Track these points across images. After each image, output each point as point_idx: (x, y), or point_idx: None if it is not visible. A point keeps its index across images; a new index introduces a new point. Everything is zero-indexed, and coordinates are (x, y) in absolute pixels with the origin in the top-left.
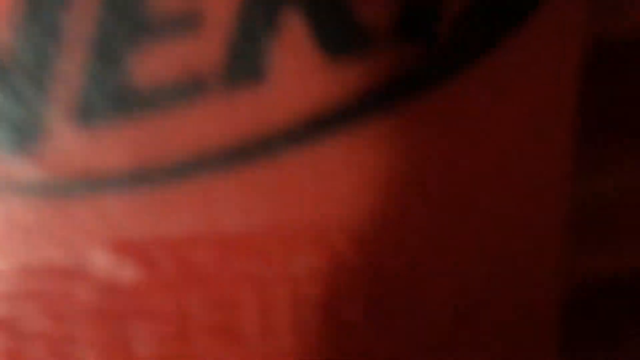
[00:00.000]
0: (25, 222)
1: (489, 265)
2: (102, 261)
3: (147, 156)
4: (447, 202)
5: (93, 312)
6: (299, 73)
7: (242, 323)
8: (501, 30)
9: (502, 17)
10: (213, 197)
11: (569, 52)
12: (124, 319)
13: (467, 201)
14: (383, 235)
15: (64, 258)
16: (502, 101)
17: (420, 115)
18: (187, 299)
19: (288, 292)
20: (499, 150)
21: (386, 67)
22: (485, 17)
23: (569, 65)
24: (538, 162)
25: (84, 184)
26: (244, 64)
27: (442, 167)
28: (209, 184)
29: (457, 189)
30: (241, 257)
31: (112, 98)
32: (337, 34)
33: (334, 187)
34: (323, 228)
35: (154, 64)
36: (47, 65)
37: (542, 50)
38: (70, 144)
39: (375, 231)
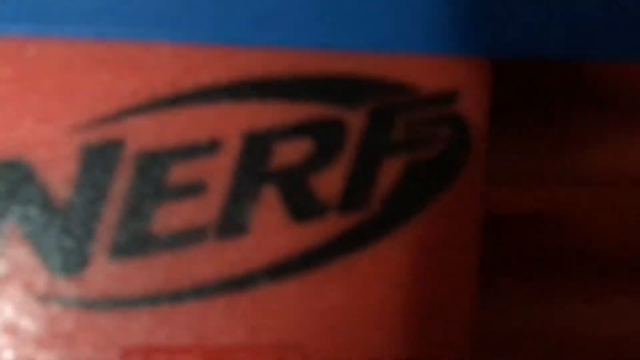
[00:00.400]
0: (64, 328)
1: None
2: None
3: (158, 284)
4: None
5: None
6: (272, 231)
7: None
8: (418, 205)
9: (419, 195)
10: (203, 317)
11: (471, 220)
12: None
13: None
14: (329, 353)
15: (92, 358)
16: (419, 255)
17: (360, 266)
18: None
19: None
20: (413, 287)
21: (335, 229)
22: (407, 195)
23: (470, 231)
24: (441, 299)
25: (110, 302)
26: (232, 221)
27: (371, 302)
28: (202, 307)
29: (381, 316)
30: None
31: (137, 240)
32: (300, 205)
33: (295, 315)
34: (285, 346)
35: (169, 217)
36: (94, 213)
37: (452, 218)
38: (103, 272)
39: (321, 350)
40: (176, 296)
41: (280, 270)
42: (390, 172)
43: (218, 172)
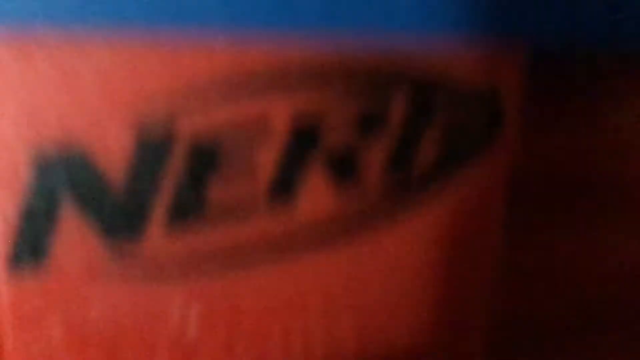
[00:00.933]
0: (121, 298)
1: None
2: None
3: (211, 252)
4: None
5: None
6: (318, 195)
7: None
8: (460, 165)
9: (454, 161)
10: (249, 280)
11: (499, 186)
12: None
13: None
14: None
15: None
16: (452, 217)
17: (403, 227)
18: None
19: None
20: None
21: (379, 192)
22: (448, 157)
23: (498, 195)
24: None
25: (167, 271)
26: (281, 189)
27: (408, 263)
28: (252, 273)
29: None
30: None
31: (190, 212)
32: (346, 171)
33: (340, 277)
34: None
35: (222, 192)
36: (148, 191)
37: (485, 180)
38: (159, 242)
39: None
40: (227, 262)
41: (327, 232)
42: (429, 142)
43: (267, 149)
